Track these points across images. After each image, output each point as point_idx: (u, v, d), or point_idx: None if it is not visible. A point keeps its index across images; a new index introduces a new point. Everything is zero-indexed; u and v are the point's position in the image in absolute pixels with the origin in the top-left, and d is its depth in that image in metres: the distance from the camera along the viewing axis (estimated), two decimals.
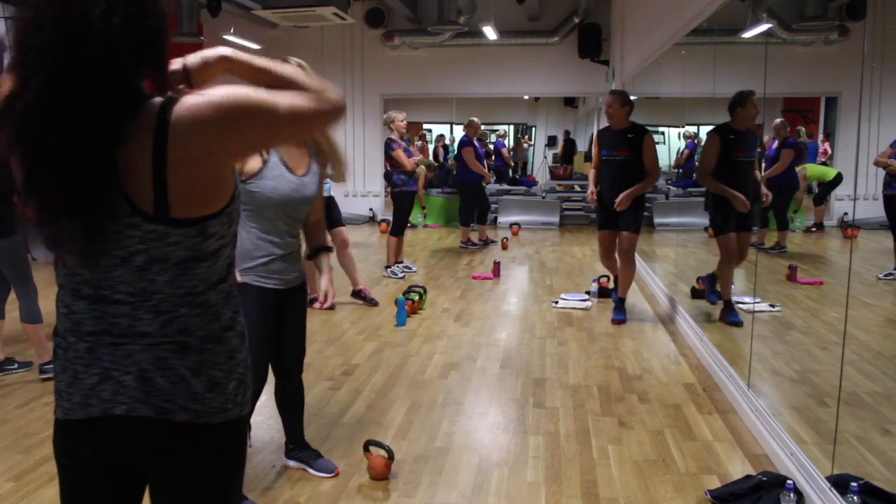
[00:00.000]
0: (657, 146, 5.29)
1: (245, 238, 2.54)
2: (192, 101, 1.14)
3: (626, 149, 5.14)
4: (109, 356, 1.22)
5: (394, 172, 6.84)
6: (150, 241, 1.17)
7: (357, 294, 5.96)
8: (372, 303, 5.88)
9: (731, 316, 4.68)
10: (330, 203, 5.96)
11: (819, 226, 6.25)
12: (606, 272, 6.01)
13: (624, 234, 5.27)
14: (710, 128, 4.91)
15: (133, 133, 1.13)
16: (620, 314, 5.34)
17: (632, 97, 5.28)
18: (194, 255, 1.22)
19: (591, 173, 5.50)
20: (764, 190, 4.91)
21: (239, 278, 2.48)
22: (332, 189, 5.93)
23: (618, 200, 5.11)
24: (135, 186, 1.14)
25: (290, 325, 2.73)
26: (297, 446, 2.97)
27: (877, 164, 3.94)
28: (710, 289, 5.07)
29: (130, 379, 1.21)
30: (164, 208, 1.15)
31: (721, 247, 4.76)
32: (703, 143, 5.43)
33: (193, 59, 1.26)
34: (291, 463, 2.98)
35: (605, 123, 5.45)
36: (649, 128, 5.44)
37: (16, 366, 4.20)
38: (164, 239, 1.18)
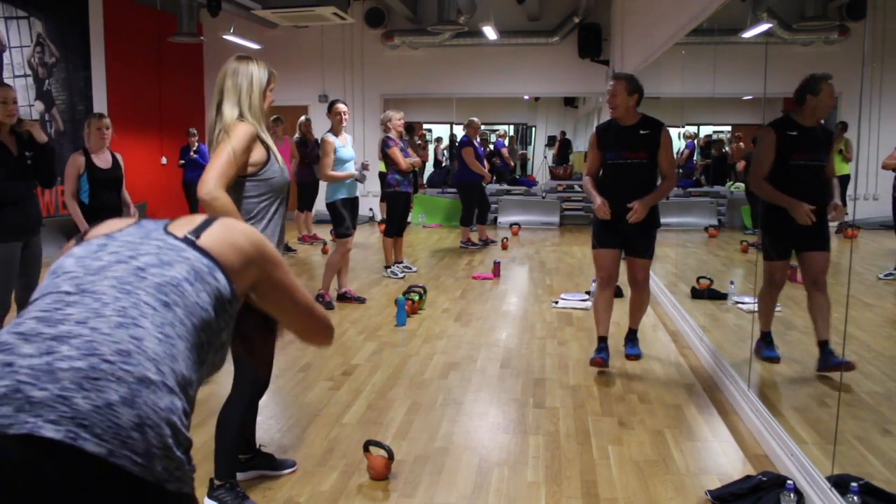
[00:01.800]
0: None
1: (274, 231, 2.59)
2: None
3: (643, 149, 4.08)
4: None
5: (388, 172, 6.84)
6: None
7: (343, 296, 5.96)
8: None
9: (767, 350, 3.88)
10: (355, 204, 5.93)
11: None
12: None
13: (639, 262, 4.25)
14: (709, 128, 4.79)
15: None
16: (635, 348, 4.46)
17: None
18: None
19: (588, 181, 4.30)
20: (836, 200, 3.67)
21: None
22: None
23: (633, 209, 4.01)
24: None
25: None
26: (252, 454, 2.86)
27: (885, 166, 3.73)
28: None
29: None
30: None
31: (765, 274, 3.88)
32: (756, 144, 4.41)
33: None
34: (250, 475, 2.82)
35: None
36: None
37: None
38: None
